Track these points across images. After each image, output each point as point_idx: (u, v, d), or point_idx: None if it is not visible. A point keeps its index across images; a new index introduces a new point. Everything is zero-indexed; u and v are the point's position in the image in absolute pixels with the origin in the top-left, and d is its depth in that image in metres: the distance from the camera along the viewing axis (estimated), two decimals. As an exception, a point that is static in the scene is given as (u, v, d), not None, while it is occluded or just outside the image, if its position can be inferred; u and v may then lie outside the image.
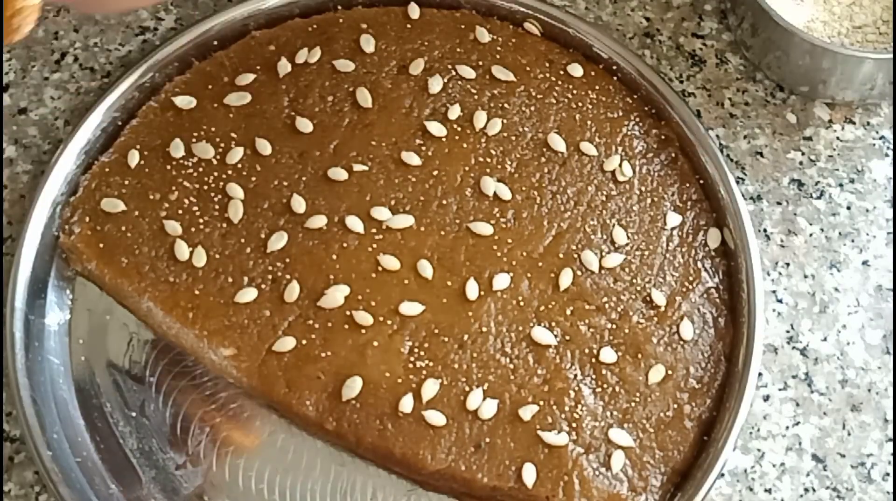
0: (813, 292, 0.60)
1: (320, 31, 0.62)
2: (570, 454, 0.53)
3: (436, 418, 0.53)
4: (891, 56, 0.59)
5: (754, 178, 0.62)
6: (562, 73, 0.62)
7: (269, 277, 0.56)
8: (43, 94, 0.63)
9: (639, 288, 0.57)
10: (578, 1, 0.67)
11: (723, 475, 0.55)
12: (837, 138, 0.63)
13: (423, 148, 0.59)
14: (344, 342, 0.54)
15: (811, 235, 0.61)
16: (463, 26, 0.63)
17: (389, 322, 0.55)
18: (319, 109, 0.60)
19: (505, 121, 0.60)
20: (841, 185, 0.62)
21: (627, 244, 0.58)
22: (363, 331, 0.55)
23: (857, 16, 0.62)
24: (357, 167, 0.58)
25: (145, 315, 0.57)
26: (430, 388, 0.53)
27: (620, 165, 0.59)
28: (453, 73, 0.61)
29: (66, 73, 0.64)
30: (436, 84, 0.61)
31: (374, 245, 0.57)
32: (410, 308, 0.55)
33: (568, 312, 0.56)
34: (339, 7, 0.63)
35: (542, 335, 0.55)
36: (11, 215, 0.60)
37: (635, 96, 0.62)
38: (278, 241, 0.56)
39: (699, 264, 0.58)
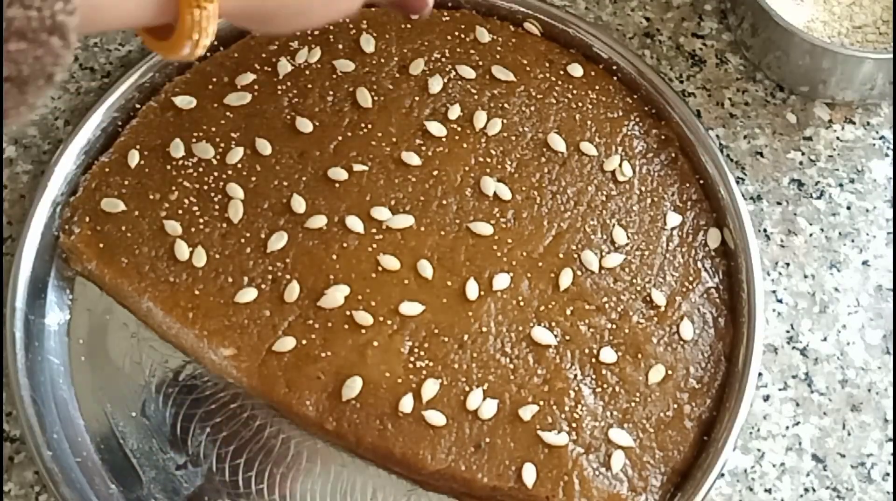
0: (813, 292, 0.60)
1: (320, 31, 0.62)
2: (570, 454, 0.53)
3: (436, 418, 0.53)
4: (891, 56, 0.59)
5: (754, 178, 0.62)
6: (562, 73, 0.62)
7: (269, 277, 0.56)
8: (43, 94, 0.63)
9: (639, 288, 0.57)
10: (578, 1, 0.67)
11: (723, 475, 0.55)
12: (837, 138, 0.63)
13: (423, 148, 0.59)
14: (344, 342, 0.54)
15: (811, 235, 0.61)
16: (463, 26, 0.63)
17: (389, 322, 0.55)
18: (319, 109, 0.60)
19: (505, 121, 0.60)
20: (841, 185, 0.62)
21: (627, 244, 0.58)
22: (363, 331, 0.55)
23: (857, 16, 0.62)
24: (357, 167, 0.58)
25: (145, 315, 0.57)
26: (430, 388, 0.53)
27: (620, 165, 0.59)
28: (453, 73, 0.61)
29: (67, 73, 0.64)
30: (436, 84, 0.61)
31: (374, 245, 0.57)
32: (410, 308, 0.55)
33: (568, 312, 0.56)
34: (339, 7, 0.63)
35: (542, 335, 0.55)
36: (11, 215, 0.60)
37: (635, 96, 0.62)
38: (278, 241, 0.56)
39: (699, 264, 0.58)
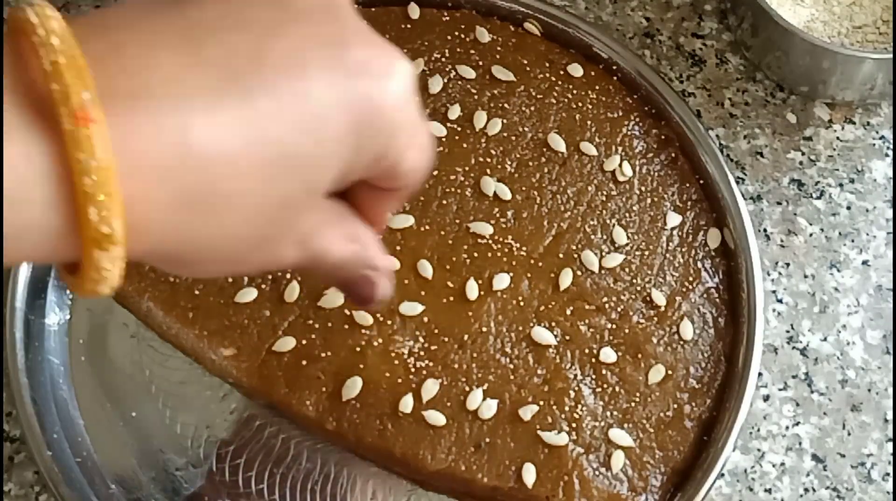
0: (813, 292, 0.60)
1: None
2: (570, 454, 0.53)
3: (436, 418, 0.53)
4: (891, 56, 0.59)
5: (754, 178, 0.62)
6: (562, 73, 0.62)
7: (269, 277, 0.56)
8: (43, 94, 0.63)
9: (639, 288, 0.57)
10: (578, 1, 0.67)
11: (723, 475, 0.55)
12: (837, 138, 0.63)
13: (423, 148, 0.59)
14: (344, 342, 0.54)
15: (811, 235, 0.61)
16: (463, 26, 0.63)
17: (389, 322, 0.55)
18: (319, 109, 0.60)
19: (505, 121, 0.60)
20: (841, 185, 0.62)
21: (627, 244, 0.58)
22: (363, 331, 0.55)
23: (857, 16, 0.62)
24: (357, 167, 0.58)
25: (145, 315, 0.57)
26: (430, 388, 0.53)
27: (620, 165, 0.59)
28: (453, 73, 0.61)
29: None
30: (436, 84, 0.61)
31: (374, 245, 0.56)
32: (410, 308, 0.55)
33: (568, 312, 0.56)
34: (339, 7, 0.63)
35: (542, 335, 0.55)
36: (11, 215, 0.60)
37: (635, 96, 0.62)
38: (278, 241, 0.56)
39: (699, 264, 0.58)
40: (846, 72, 0.61)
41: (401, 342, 0.54)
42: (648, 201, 0.59)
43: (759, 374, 0.56)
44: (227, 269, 0.34)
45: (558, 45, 0.63)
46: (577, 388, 0.54)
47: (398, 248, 0.56)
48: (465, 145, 0.59)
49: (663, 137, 0.61)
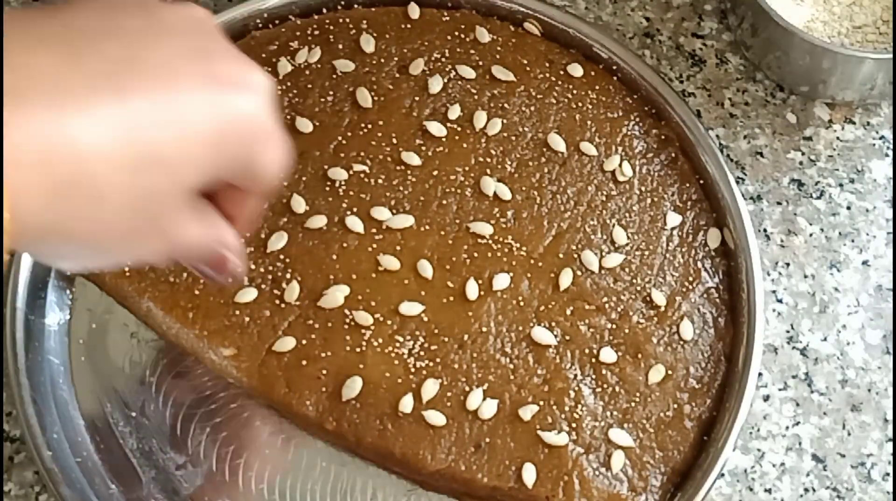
0: (813, 292, 0.60)
1: (320, 31, 0.62)
2: (570, 454, 0.53)
3: (436, 418, 0.53)
4: (891, 56, 0.59)
5: (754, 178, 0.62)
6: (562, 73, 0.62)
7: (269, 277, 0.56)
8: (43, 94, 0.63)
9: (639, 288, 0.57)
10: (578, 1, 0.67)
11: (723, 475, 0.55)
12: (837, 138, 0.63)
13: (423, 148, 0.59)
14: (344, 342, 0.54)
15: (811, 235, 0.61)
16: (463, 26, 0.63)
17: (389, 322, 0.55)
18: (319, 109, 0.60)
19: (505, 121, 0.60)
20: (841, 185, 0.62)
21: (627, 244, 0.58)
22: (363, 331, 0.55)
23: (857, 16, 0.62)
24: (357, 167, 0.58)
25: (145, 315, 0.57)
26: (430, 388, 0.53)
27: (620, 165, 0.59)
28: (453, 73, 0.61)
29: None
30: (436, 84, 0.61)
31: (374, 245, 0.57)
32: (410, 308, 0.55)
33: (568, 312, 0.56)
34: (339, 7, 0.63)
35: (542, 335, 0.55)
36: (11, 215, 0.60)
37: (635, 96, 0.62)
38: (278, 241, 0.56)
39: (699, 264, 0.58)
40: (846, 72, 0.61)
41: (401, 342, 0.54)
42: (648, 201, 0.59)
43: (759, 374, 0.56)
44: (98, 259, 0.36)
45: (558, 45, 0.63)
46: (577, 388, 0.54)
47: (398, 248, 0.56)
48: (465, 145, 0.59)
49: (663, 137, 0.61)
